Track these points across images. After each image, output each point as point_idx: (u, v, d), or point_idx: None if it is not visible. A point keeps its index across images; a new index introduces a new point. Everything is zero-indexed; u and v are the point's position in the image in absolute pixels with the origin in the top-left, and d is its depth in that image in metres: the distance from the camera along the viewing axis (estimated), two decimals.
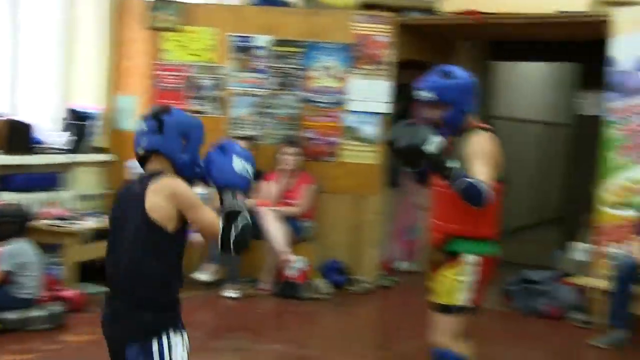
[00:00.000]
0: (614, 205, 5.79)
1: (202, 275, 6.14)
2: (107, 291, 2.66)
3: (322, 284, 6.26)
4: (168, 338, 2.54)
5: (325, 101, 6.84)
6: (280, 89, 6.83)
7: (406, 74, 6.86)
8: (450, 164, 3.04)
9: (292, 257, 6.16)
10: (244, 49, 6.84)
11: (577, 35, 6.99)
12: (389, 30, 6.75)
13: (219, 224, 2.51)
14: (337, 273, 6.60)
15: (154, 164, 2.66)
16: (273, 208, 6.35)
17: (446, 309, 3.24)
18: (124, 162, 6.40)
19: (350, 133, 6.81)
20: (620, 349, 5.05)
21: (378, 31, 6.76)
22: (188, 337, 2.60)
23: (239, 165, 2.64)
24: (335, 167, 6.83)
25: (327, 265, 6.61)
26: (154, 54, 6.87)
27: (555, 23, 6.52)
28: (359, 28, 6.77)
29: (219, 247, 2.53)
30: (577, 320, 5.72)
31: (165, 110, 2.69)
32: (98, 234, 5.90)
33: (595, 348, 5.08)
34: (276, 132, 6.83)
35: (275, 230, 6.20)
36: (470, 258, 3.20)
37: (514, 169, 8.73)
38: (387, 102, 6.77)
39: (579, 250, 6.93)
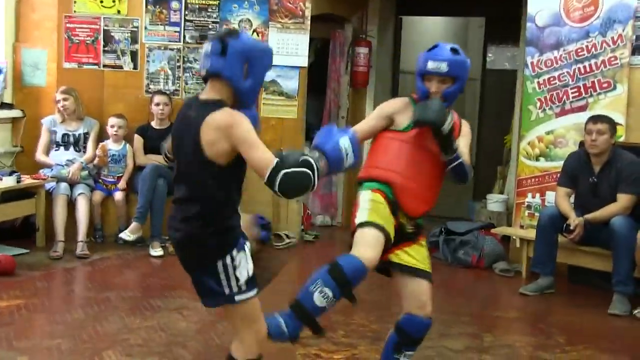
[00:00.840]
0: (532, 157, 5.98)
1: (126, 235, 5.94)
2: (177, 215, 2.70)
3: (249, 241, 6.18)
4: (232, 258, 2.63)
5: None
6: (198, 43, 6.61)
7: (320, 27, 6.81)
8: (455, 144, 3.15)
9: None
10: (158, 1, 6.57)
11: None
12: None
13: (272, 163, 2.51)
14: (261, 229, 6.54)
15: (215, 89, 2.63)
16: None
17: (430, 276, 3.28)
18: (37, 119, 6.05)
19: (270, 87, 6.70)
20: (546, 296, 5.27)
21: None
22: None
23: (345, 143, 2.65)
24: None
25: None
26: (63, 6, 6.48)
27: None
28: None
29: (266, 180, 2.53)
30: (499, 269, 5.92)
31: (233, 33, 2.64)
32: (11, 195, 5.59)
33: (522, 295, 5.28)
34: (195, 87, 6.63)
35: None
36: None
37: None
38: (305, 56, 6.69)
39: (495, 202, 7.19)
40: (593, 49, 5.65)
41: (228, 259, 2.64)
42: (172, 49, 6.62)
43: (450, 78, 3.18)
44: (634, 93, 5.54)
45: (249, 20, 6.65)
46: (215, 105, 2.57)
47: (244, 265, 2.66)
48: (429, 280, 3.27)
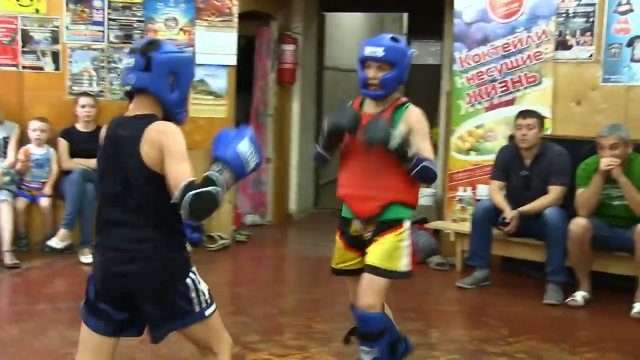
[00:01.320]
0: (463, 151, 6.09)
1: (55, 243, 5.72)
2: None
3: None
4: (194, 272, 2.58)
5: None
6: (122, 42, 6.42)
7: (245, 25, 6.73)
8: (411, 152, 3.07)
9: None
10: (79, 0, 6.35)
11: None
12: None
13: (186, 182, 2.32)
14: (192, 230, 6.41)
15: (143, 105, 2.54)
16: None
17: (390, 274, 3.24)
18: None
19: (199, 87, 6.58)
20: (483, 288, 5.38)
21: None
22: None
23: (245, 148, 2.47)
24: (185, 122, 6.57)
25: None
26: None
27: None
28: None
29: (178, 205, 2.33)
30: (434, 263, 6.00)
31: (154, 45, 2.54)
32: None
33: (460, 289, 5.37)
34: (120, 87, 6.44)
35: None
36: (408, 224, 3.26)
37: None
38: (233, 54, 6.60)
39: (424, 196, 7.27)
40: (519, 44, 5.79)
41: (192, 274, 2.55)
42: (95, 49, 6.41)
43: (388, 64, 3.16)
44: (559, 87, 5.71)
45: (175, 19, 6.51)
46: (150, 118, 2.49)
47: (199, 276, 2.57)
48: (373, 273, 3.22)
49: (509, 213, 5.21)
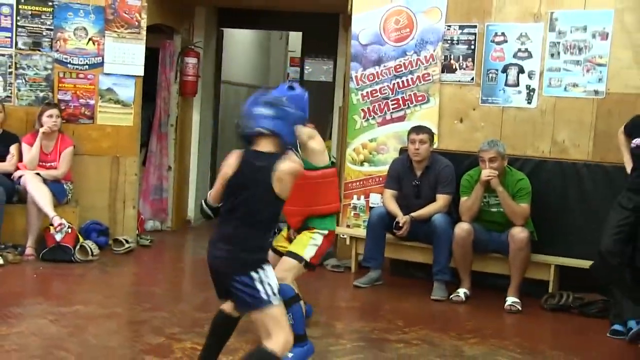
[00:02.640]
0: (357, 162, 6.62)
1: None
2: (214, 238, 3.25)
3: (91, 246, 6.23)
4: (263, 269, 3.15)
5: (80, 63, 6.71)
6: (31, 49, 6.54)
7: (150, 37, 6.99)
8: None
9: (60, 221, 6.06)
10: None
11: (315, 6, 7.57)
12: None
13: None
14: (98, 234, 6.60)
15: (270, 143, 3.18)
16: (34, 171, 6.18)
17: (296, 257, 4.12)
18: None
19: (107, 95, 6.79)
20: (377, 287, 5.90)
21: None
22: None
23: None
24: (93, 129, 6.79)
25: (87, 227, 6.58)
26: None
27: None
28: None
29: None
30: (331, 265, 6.48)
31: (292, 98, 3.55)
32: None
33: (356, 288, 5.87)
34: (28, 93, 6.56)
35: (41, 194, 6.05)
36: (324, 231, 4.24)
37: (227, 128, 9.37)
38: (141, 65, 6.85)
39: None
40: (409, 66, 6.40)
41: (261, 271, 3.15)
42: (3, 55, 6.49)
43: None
44: (444, 105, 6.35)
45: (85, 29, 6.71)
46: (277, 156, 3.16)
47: (271, 276, 3.17)
48: (291, 257, 4.15)
49: (402, 218, 5.76)
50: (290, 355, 3.82)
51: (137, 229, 7.06)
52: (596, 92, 5.90)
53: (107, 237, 6.66)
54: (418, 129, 5.88)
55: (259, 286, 3.11)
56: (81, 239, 6.27)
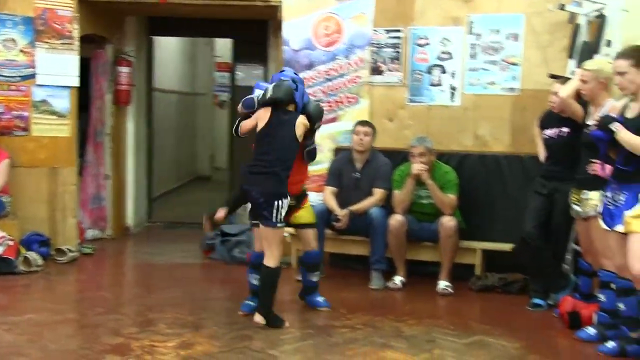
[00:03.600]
0: None
1: None
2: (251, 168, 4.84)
3: (35, 257, 6.32)
4: (282, 201, 4.79)
5: (12, 75, 6.79)
6: None
7: (83, 47, 7.11)
8: (317, 126, 5.14)
9: (1, 234, 6.14)
10: None
11: (244, 14, 7.80)
12: (71, 5, 6.91)
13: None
14: (39, 245, 6.67)
15: (289, 106, 4.93)
16: None
17: (312, 225, 5.37)
18: None
19: (41, 107, 6.88)
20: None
21: (60, 5, 6.88)
22: None
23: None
24: (28, 141, 6.86)
25: (28, 238, 6.65)
26: None
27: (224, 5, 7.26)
28: (40, 1, 6.81)
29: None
30: None
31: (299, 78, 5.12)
32: None
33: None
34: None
35: None
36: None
37: (160, 136, 9.54)
38: (76, 76, 6.97)
39: None
40: (340, 70, 6.73)
41: (280, 202, 4.77)
42: None
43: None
44: (374, 106, 6.72)
45: (14, 40, 6.77)
46: (296, 113, 4.92)
47: (285, 207, 4.80)
48: (312, 227, 5.36)
49: (341, 211, 6.09)
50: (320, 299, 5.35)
51: (79, 238, 7.16)
52: (512, 90, 6.39)
53: (48, 247, 6.74)
54: (363, 123, 6.23)
55: (274, 212, 4.73)
56: (23, 251, 6.35)
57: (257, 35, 8.32)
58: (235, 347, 4.42)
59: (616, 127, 4.23)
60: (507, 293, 5.90)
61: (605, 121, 4.31)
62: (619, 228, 4.20)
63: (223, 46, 14.51)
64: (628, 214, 4.14)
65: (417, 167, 5.91)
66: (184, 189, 12.48)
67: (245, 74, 8.90)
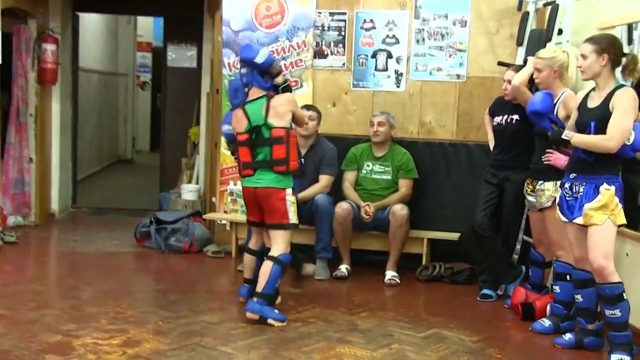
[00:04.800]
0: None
1: None
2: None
3: None
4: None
5: None
6: None
7: (3, 22, 6.62)
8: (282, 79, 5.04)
9: None
10: None
11: None
12: None
13: None
14: None
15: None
16: None
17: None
18: None
19: None
20: None
21: None
22: None
23: None
24: None
25: None
26: None
27: None
28: None
29: None
30: (211, 251, 6.51)
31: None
32: None
33: (240, 272, 5.90)
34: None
35: None
36: None
37: (82, 117, 9.12)
38: None
39: (189, 191, 7.73)
40: (282, 52, 6.50)
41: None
42: None
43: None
44: (317, 90, 6.52)
45: None
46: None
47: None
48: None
49: None
50: None
51: (0, 226, 6.71)
52: (458, 76, 6.31)
53: None
54: (308, 107, 6.03)
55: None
56: None
57: (190, 15, 7.97)
58: (186, 344, 4.19)
59: (567, 135, 4.21)
60: (454, 283, 5.85)
61: (556, 138, 4.30)
62: (579, 220, 4.15)
63: (145, 25, 14.06)
64: (588, 206, 4.09)
65: (365, 216, 5.87)
66: (106, 173, 12.00)
67: (177, 54, 8.52)
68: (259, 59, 4.72)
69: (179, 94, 8.56)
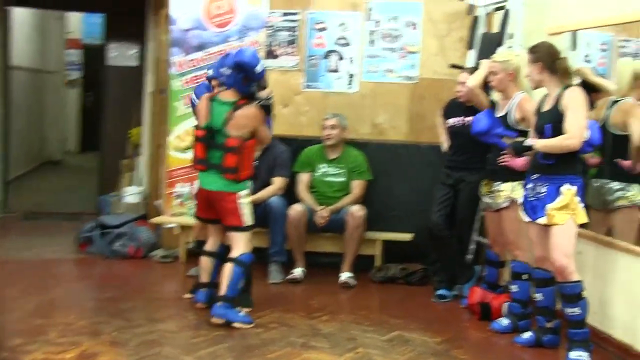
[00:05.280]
0: (181, 150, 6.49)
1: None
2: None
3: None
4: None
5: None
6: None
7: None
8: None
9: None
10: None
11: None
12: None
13: None
14: None
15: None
16: None
17: None
18: None
19: None
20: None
21: None
22: None
23: None
24: None
25: None
26: None
27: None
28: None
29: None
30: (159, 256, 6.33)
31: None
32: None
33: (191, 277, 5.77)
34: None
35: None
36: None
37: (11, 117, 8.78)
38: None
39: (131, 194, 7.51)
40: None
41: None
42: None
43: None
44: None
45: None
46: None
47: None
48: None
49: None
50: None
51: None
52: (410, 78, 6.33)
53: None
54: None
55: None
56: None
57: (133, 12, 7.74)
58: (146, 356, 4.03)
59: (530, 142, 4.27)
60: (408, 284, 5.86)
61: (517, 147, 4.36)
62: (542, 220, 4.21)
63: (74, 21, 13.63)
64: (550, 206, 4.14)
65: (320, 221, 5.82)
66: (35, 175, 11.54)
67: (119, 52, 8.27)
68: (259, 68, 4.65)
69: (119, 93, 8.32)
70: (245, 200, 4.66)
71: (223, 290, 4.56)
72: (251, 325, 4.54)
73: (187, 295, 5.14)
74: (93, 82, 14.27)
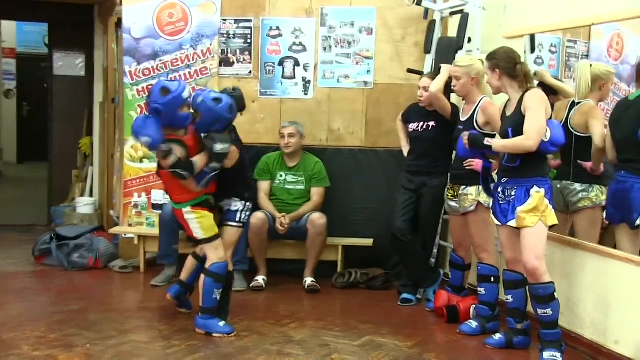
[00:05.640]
0: (136, 159, 6.40)
1: None
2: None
3: None
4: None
5: None
6: None
7: None
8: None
9: None
10: None
11: None
12: None
13: None
14: None
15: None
16: None
17: None
18: None
19: None
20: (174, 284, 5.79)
21: None
22: None
23: None
24: None
25: None
26: None
27: None
28: None
29: None
30: (118, 267, 6.23)
31: None
32: None
33: (154, 287, 5.72)
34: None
35: None
36: None
37: None
38: None
39: (84, 205, 7.38)
40: (186, 60, 6.32)
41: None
42: None
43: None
44: None
45: None
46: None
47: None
48: None
49: None
50: None
51: None
52: (365, 83, 6.38)
53: None
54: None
55: None
56: None
57: (78, 20, 7.59)
58: None
59: (489, 141, 4.36)
60: (370, 289, 5.91)
61: (476, 143, 4.41)
62: (512, 223, 4.28)
63: (7, 30, 13.27)
64: (520, 209, 4.22)
65: (281, 228, 5.84)
66: None
67: (64, 62, 8.09)
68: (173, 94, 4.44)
69: (67, 103, 8.15)
70: (192, 216, 4.57)
71: (200, 301, 4.56)
72: (230, 335, 4.52)
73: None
74: (28, 91, 14.00)
